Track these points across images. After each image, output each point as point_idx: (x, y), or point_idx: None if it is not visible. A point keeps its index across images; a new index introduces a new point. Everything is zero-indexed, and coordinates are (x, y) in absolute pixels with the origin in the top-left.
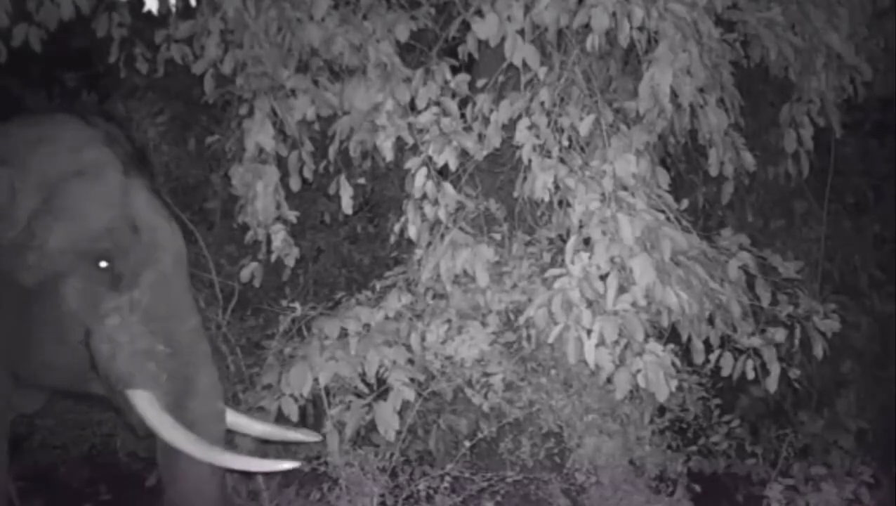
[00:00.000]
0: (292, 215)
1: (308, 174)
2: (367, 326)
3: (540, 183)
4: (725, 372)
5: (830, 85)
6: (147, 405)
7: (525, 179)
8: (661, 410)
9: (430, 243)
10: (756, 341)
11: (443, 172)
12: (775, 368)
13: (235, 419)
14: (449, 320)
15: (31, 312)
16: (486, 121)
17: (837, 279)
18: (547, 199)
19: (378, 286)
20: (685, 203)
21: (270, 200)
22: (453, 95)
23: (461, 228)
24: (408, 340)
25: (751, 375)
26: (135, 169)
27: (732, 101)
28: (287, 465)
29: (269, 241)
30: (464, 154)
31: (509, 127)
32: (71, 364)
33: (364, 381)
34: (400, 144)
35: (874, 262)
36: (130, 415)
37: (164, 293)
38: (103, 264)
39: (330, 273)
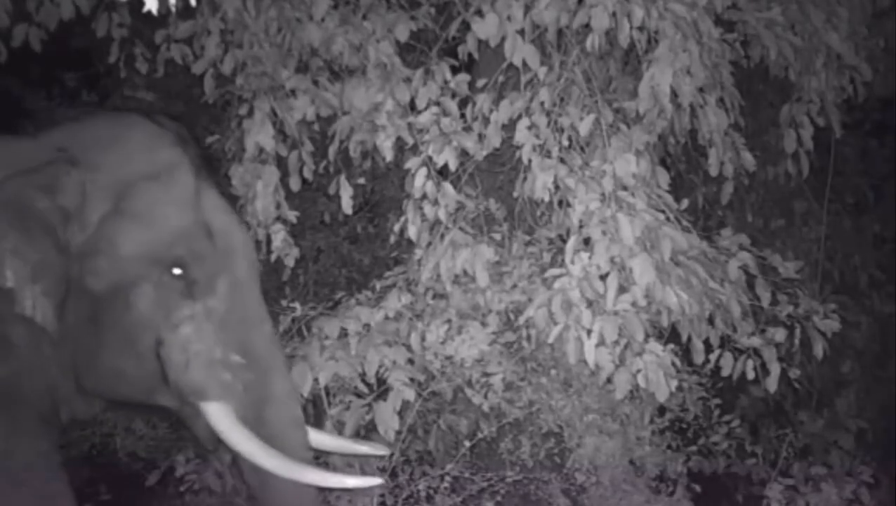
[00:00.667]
0: (292, 215)
1: (308, 174)
2: (367, 326)
3: (540, 183)
4: (725, 372)
5: (830, 85)
6: (222, 418)
7: (525, 178)
8: (661, 410)
9: (430, 243)
10: (756, 341)
11: (443, 172)
12: (775, 368)
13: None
14: (449, 320)
15: (100, 320)
16: (486, 121)
17: (837, 279)
18: (547, 199)
19: (378, 286)
20: (685, 203)
21: (270, 200)
22: (453, 95)
23: (461, 228)
24: (408, 340)
25: (751, 375)
26: (204, 171)
27: (732, 101)
28: (371, 481)
29: (269, 241)
30: (464, 154)
31: (509, 127)
32: (140, 374)
33: (364, 381)
34: (400, 144)
35: (874, 262)
36: (199, 427)
37: (239, 300)
38: (177, 271)
39: (330, 273)
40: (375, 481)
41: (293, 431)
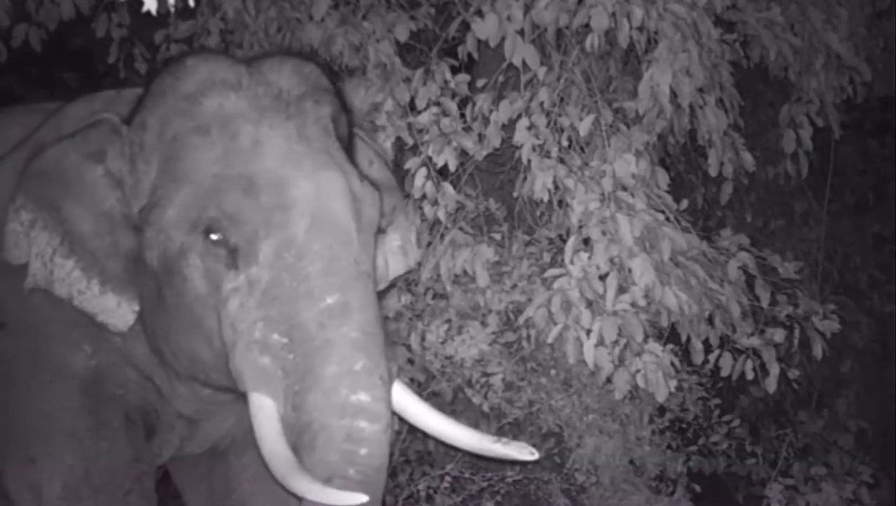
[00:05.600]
0: None
1: None
2: None
3: (539, 183)
4: (725, 372)
5: (830, 85)
6: (263, 413)
7: (525, 179)
8: (661, 410)
9: (430, 243)
10: (755, 342)
11: (443, 173)
12: (774, 369)
13: (439, 425)
14: (449, 320)
15: (165, 299)
16: (486, 121)
17: (837, 279)
18: (546, 199)
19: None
20: (684, 203)
21: None
22: (453, 96)
23: (461, 228)
24: (408, 340)
25: (750, 375)
26: (281, 114)
27: (732, 102)
28: (360, 498)
29: None
30: (463, 154)
31: (509, 127)
32: (213, 358)
33: None
34: (400, 145)
35: (874, 262)
36: None
37: (291, 267)
38: (214, 236)
39: None
40: (363, 498)
41: (334, 421)
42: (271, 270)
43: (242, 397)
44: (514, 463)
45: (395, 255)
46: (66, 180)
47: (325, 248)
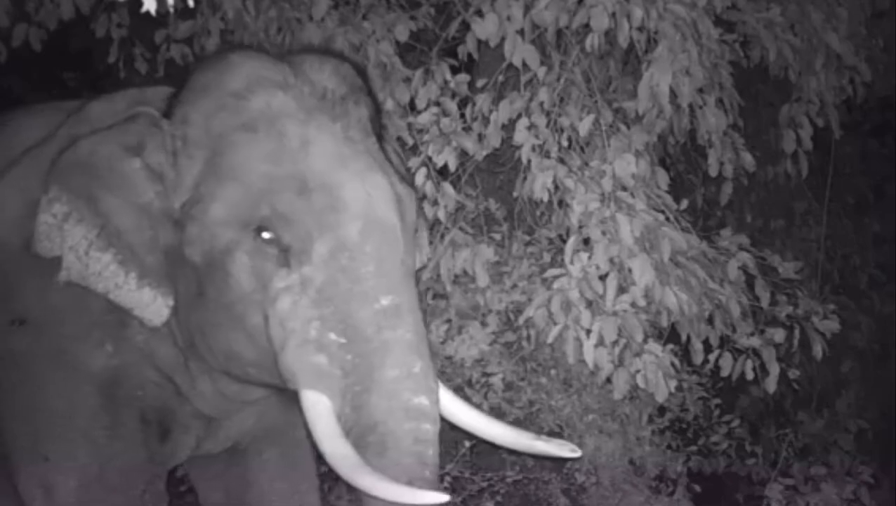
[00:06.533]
0: None
1: None
2: None
3: (539, 183)
4: (725, 372)
5: (830, 85)
6: (318, 410)
7: (525, 179)
8: (661, 410)
9: (430, 243)
10: (755, 342)
11: (443, 172)
12: (774, 369)
13: (477, 422)
14: (449, 320)
15: (205, 295)
16: (486, 121)
17: (837, 279)
18: (546, 199)
19: None
20: (684, 203)
21: None
22: (453, 96)
23: (461, 228)
24: None
25: (750, 375)
26: (327, 115)
27: (731, 102)
28: (441, 497)
29: None
30: (463, 154)
31: (509, 127)
32: (254, 355)
33: None
34: (400, 144)
35: (874, 262)
36: None
37: (345, 268)
38: (266, 235)
39: None
40: (444, 497)
41: (400, 424)
42: (325, 271)
43: (278, 394)
44: (555, 460)
45: None
46: (102, 172)
47: (377, 249)
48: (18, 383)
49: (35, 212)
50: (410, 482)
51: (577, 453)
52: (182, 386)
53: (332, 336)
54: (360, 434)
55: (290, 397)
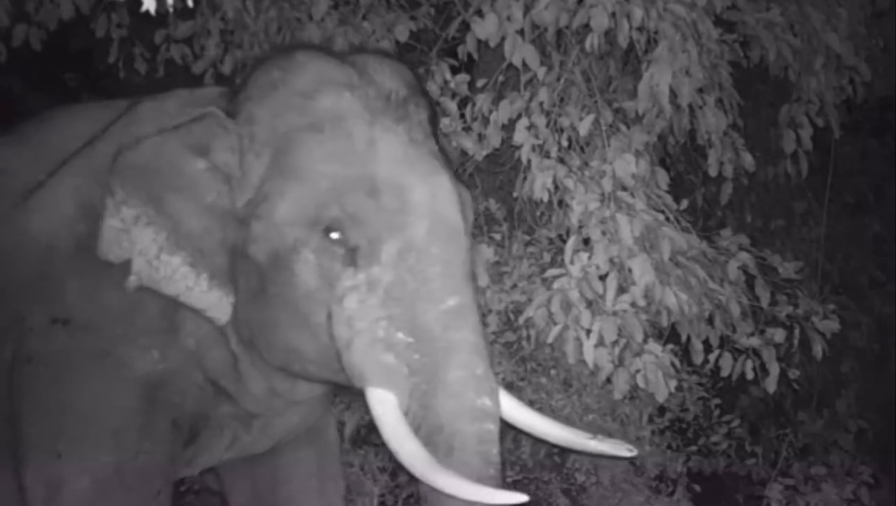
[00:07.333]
0: None
1: None
2: None
3: (539, 183)
4: (725, 372)
5: (829, 85)
6: (385, 408)
7: (524, 179)
8: (661, 410)
9: None
10: (755, 342)
11: None
12: (774, 369)
13: (532, 421)
14: None
15: (268, 293)
16: (486, 121)
17: (837, 279)
18: (546, 199)
19: None
20: (684, 203)
21: None
22: (453, 96)
23: None
24: None
25: (750, 375)
26: (391, 117)
27: (731, 102)
28: (520, 498)
29: None
30: (463, 154)
31: (509, 127)
32: (317, 352)
33: None
34: None
35: (874, 262)
36: None
37: (412, 269)
38: (334, 235)
39: None
40: (522, 497)
41: (467, 425)
42: (394, 271)
43: (320, 394)
44: (611, 459)
45: None
46: (169, 174)
47: (443, 250)
48: (47, 382)
49: (88, 214)
50: (478, 481)
51: (634, 453)
52: (228, 388)
53: (400, 335)
54: (427, 434)
55: (328, 398)
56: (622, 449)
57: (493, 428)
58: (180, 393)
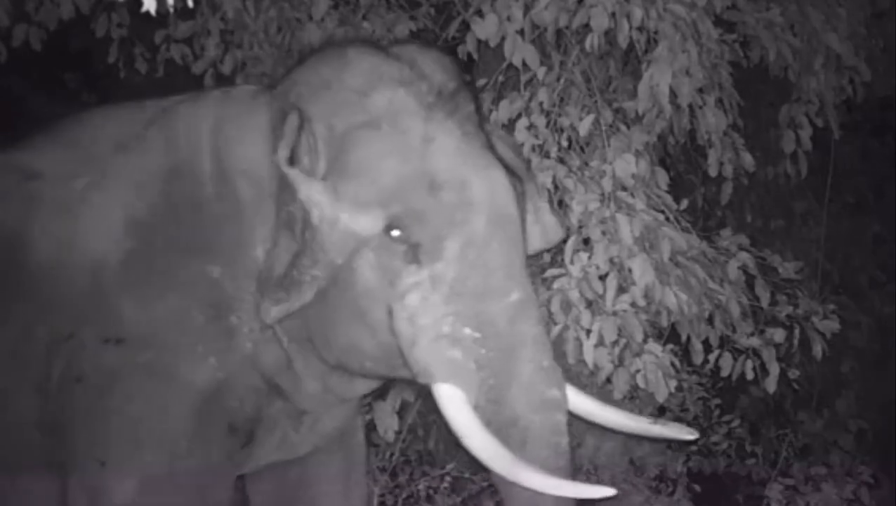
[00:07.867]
0: None
1: None
2: None
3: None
4: (725, 372)
5: (829, 85)
6: (455, 404)
7: None
8: (661, 410)
9: None
10: (755, 342)
11: None
12: (774, 369)
13: (592, 408)
14: None
15: (328, 290)
16: (486, 121)
17: (837, 279)
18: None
19: None
20: (684, 203)
21: None
22: None
23: None
24: None
25: (750, 375)
26: (444, 111)
27: (731, 102)
28: (605, 492)
29: None
30: None
31: (508, 127)
32: (376, 349)
33: None
34: None
35: (874, 262)
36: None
37: (475, 264)
38: (395, 233)
39: None
40: (609, 491)
41: (539, 416)
42: (457, 267)
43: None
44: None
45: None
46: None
47: (503, 244)
48: (97, 397)
49: (136, 231)
50: (550, 473)
51: (695, 435)
52: (284, 386)
53: (467, 331)
54: (499, 428)
55: (360, 401)
56: (684, 432)
57: (563, 419)
58: (238, 397)
